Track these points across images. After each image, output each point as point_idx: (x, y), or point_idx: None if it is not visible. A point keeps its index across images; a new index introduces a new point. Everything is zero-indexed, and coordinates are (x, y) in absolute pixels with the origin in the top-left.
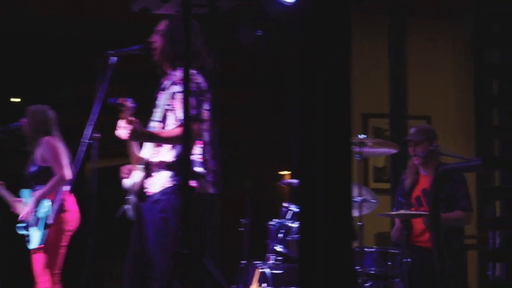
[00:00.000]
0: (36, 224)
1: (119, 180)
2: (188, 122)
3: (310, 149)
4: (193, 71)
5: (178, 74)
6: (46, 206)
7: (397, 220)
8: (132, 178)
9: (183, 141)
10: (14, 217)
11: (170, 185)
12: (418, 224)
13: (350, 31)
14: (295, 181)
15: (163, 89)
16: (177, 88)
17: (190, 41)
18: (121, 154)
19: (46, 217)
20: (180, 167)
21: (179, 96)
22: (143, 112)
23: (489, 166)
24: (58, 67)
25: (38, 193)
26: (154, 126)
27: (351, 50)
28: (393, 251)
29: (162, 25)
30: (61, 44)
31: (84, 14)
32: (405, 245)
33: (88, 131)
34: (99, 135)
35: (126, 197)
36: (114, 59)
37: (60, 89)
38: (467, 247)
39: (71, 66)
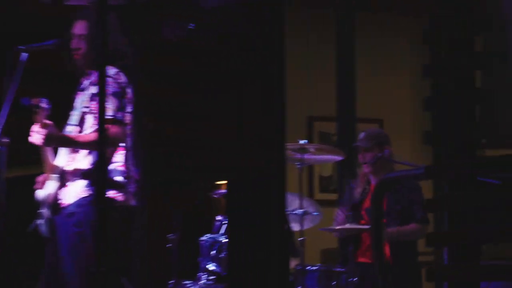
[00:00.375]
0: None
1: (32, 191)
2: (102, 125)
3: (240, 156)
4: (114, 70)
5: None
6: None
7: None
8: (46, 188)
9: (99, 146)
10: None
11: (85, 196)
12: (366, 239)
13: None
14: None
15: (82, 90)
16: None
17: (107, 37)
18: (35, 162)
19: None
20: (95, 175)
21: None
22: (60, 115)
23: (432, 175)
24: None
25: None
26: (70, 130)
27: (284, 48)
28: (338, 269)
29: (82, 29)
30: None
31: None
32: (351, 263)
33: None
34: (8, 140)
35: (38, 211)
36: (25, 55)
37: None
38: (421, 264)
39: None
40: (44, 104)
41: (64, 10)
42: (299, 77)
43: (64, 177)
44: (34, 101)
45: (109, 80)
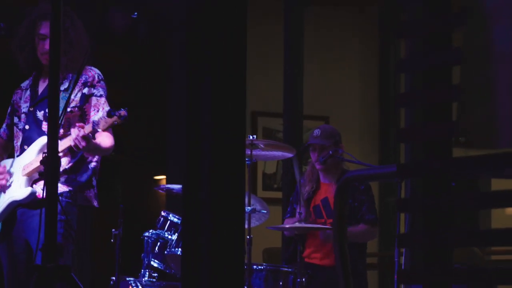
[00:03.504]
0: None
1: None
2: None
3: (196, 151)
4: (97, 70)
5: (90, 74)
6: None
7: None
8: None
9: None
10: None
11: (64, 191)
12: (314, 238)
13: (245, 14)
14: (173, 186)
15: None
16: (93, 91)
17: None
18: None
19: None
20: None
21: (99, 101)
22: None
23: (405, 174)
24: None
25: None
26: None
27: (246, 37)
28: (285, 269)
29: (46, 29)
30: None
31: None
32: (300, 263)
33: None
34: None
35: None
36: None
37: None
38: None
39: None
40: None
41: None
42: None
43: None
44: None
45: (103, 83)
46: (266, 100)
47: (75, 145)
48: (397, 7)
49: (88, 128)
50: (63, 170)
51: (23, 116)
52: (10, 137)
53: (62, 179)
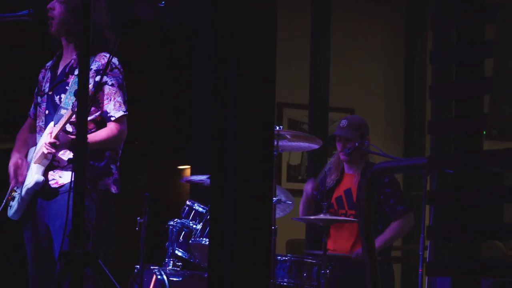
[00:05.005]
0: None
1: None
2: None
3: (223, 141)
4: (115, 58)
5: (104, 61)
6: None
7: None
8: (30, 172)
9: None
10: None
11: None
12: (337, 230)
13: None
14: (196, 177)
15: (71, 72)
16: (106, 79)
17: (89, 13)
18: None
19: None
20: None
21: (111, 90)
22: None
23: (437, 166)
24: None
25: None
26: (63, 113)
27: (276, 27)
28: (309, 260)
29: None
30: None
31: None
32: (324, 254)
33: None
34: None
35: (11, 193)
36: None
37: None
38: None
39: None
40: None
41: None
42: None
43: (53, 160)
44: None
45: (116, 71)
46: (292, 91)
47: (48, 153)
48: None
49: (54, 132)
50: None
51: (45, 96)
52: (36, 116)
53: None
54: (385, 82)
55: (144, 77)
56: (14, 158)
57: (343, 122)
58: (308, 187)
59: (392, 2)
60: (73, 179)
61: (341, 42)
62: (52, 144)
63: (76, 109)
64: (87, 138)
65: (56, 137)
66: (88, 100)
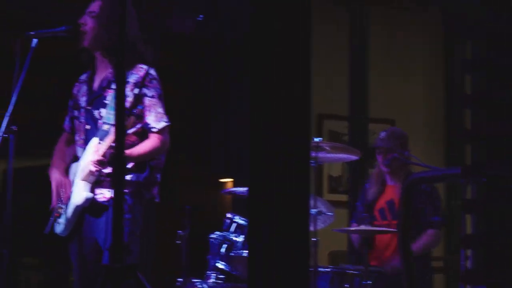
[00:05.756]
0: None
1: (39, 182)
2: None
3: (261, 154)
4: (153, 69)
5: (141, 74)
6: None
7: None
8: (76, 188)
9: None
10: None
11: (127, 190)
12: (381, 241)
13: (310, 15)
14: (238, 189)
15: (108, 86)
16: (145, 91)
17: (125, 27)
18: (42, 154)
19: None
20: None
21: (151, 101)
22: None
23: (469, 175)
24: None
25: None
26: (107, 128)
27: (311, 39)
28: (351, 271)
29: (94, 6)
30: None
31: None
32: (365, 265)
33: (3, 124)
34: (15, 128)
35: (58, 210)
36: (34, 41)
37: None
38: (433, 271)
39: None
40: None
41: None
42: None
43: (98, 175)
44: None
45: (155, 82)
46: (332, 103)
47: (96, 170)
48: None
49: (101, 149)
50: (127, 170)
51: (82, 110)
52: (73, 129)
53: (127, 178)
54: (424, 91)
55: (186, 90)
56: (55, 175)
57: (383, 134)
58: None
59: (430, 10)
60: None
61: (380, 53)
62: (99, 162)
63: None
64: (125, 152)
65: (103, 154)
66: (125, 114)
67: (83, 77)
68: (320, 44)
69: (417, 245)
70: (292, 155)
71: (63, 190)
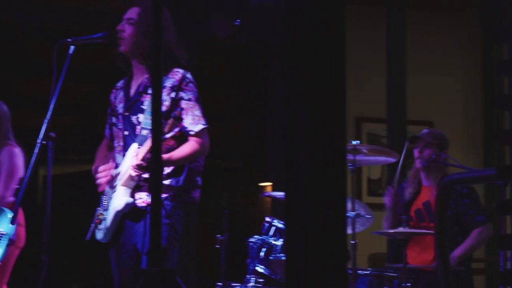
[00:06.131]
0: None
1: (75, 189)
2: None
3: (297, 156)
4: (189, 73)
5: (177, 77)
6: (9, 219)
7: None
8: (118, 194)
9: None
10: None
11: (165, 195)
12: (417, 242)
13: (344, 20)
14: (277, 193)
15: (145, 91)
16: (182, 94)
17: (161, 32)
18: (79, 160)
19: (8, 233)
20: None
21: (188, 105)
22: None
23: (504, 176)
24: (7, 58)
25: None
26: (145, 134)
27: (345, 44)
28: (390, 273)
29: (132, 13)
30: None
31: (36, 0)
32: (404, 267)
33: (42, 131)
34: (54, 135)
35: (99, 217)
36: (71, 48)
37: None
38: (472, 272)
39: (22, 58)
40: None
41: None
42: (347, 76)
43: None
44: None
45: (191, 85)
46: (370, 105)
47: (136, 175)
48: (499, 9)
49: (141, 154)
50: (166, 174)
51: (120, 117)
52: (112, 136)
53: (166, 182)
54: (463, 92)
55: (225, 94)
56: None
57: (425, 130)
58: (386, 199)
59: (468, 12)
60: (163, 196)
61: (417, 54)
62: (139, 167)
63: (163, 130)
64: (164, 156)
65: (143, 159)
66: (161, 119)
67: (120, 83)
68: (357, 46)
69: (463, 247)
70: (328, 158)
71: (105, 197)
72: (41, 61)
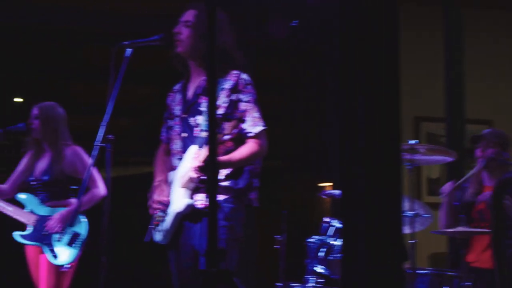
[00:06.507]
0: (64, 240)
1: (134, 191)
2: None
3: (353, 156)
4: (246, 74)
5: (235, 79)
6: (83, 222)
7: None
8: (176, 196)
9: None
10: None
11: (224, 197)
12: (479, 242)
13: (397, 19)
14: (336, 192)
15: (202, 93)
16: (240, 96)
17: (215, 34)
18: (138, 162)
19: (83, 235)
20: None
21: (247, 107)
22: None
23: None
24: (65, 63)
25: (73, 206)
26: (204, 135)
27: (398, 43)
28: (450, 273)
29: (189, 15)
30: (66, 38)
31: (92, 6)
32: (463, 266)
33: (100, 133)
34: (113, 137)
35: (158, 219)
36: (129, 51)
37: (67, 87)
38: None
39: (80, 62)
40: None
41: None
42: (405, 76)
43: (197, 182)
44: None
45: (249, 87)
46: (429, 105)
47: (197, 177)
48: None
49: (202, 155)
50: (225, 176)
51: (177, 119)
52: (170, 140)
53: (225, 184)
54: None
55: (282, 95)
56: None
57: (487, 130)
58: (445, 187)
59: None
60: (222, 198)
61: (475, 52)
62: (200, 168)
63: (223, 131)
64: (224, 158)
65: (204, 160)
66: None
67: (177, 86)
68: (416, 46)
69: None
70: (384, 158)
71: (163, 199)
72: (98, 65)
